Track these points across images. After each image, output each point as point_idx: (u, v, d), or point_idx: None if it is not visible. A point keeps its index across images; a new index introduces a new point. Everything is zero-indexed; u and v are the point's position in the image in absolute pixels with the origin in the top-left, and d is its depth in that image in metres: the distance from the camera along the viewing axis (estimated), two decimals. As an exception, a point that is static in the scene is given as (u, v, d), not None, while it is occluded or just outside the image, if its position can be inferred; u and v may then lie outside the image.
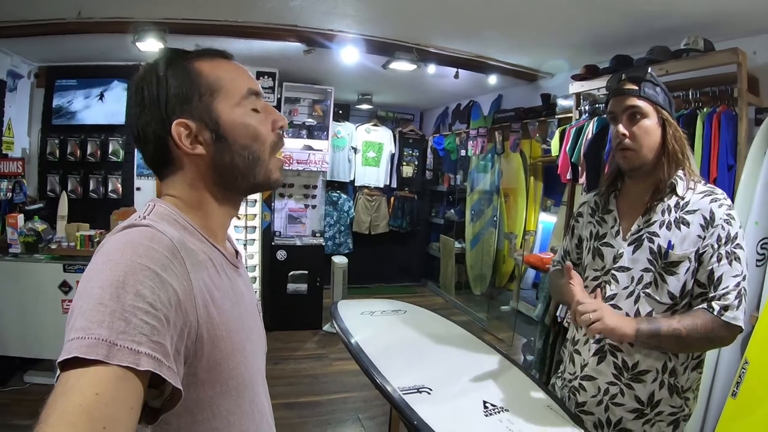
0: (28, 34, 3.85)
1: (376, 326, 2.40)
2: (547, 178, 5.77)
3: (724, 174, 2.66)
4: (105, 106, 5.06)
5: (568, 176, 3.67)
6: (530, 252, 5.42)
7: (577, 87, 3.74)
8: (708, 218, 1.53)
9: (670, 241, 1.56)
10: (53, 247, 4.11)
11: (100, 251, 0.81)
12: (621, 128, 1.61)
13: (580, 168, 3.47)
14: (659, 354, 1.58)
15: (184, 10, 3.62)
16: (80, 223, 4.32)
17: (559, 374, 1.90)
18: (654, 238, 1.59)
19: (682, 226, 1.56)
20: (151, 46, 3.74)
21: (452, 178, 7.64)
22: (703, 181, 1.64)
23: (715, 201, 1.55)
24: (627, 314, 1.60)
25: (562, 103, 4.34)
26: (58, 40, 4.09)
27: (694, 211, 1.55)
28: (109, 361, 0.66)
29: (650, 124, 1.59)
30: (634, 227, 1.65)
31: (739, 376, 2.12)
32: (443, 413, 1.56)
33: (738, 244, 1.51)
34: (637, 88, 1.59)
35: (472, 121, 6.52)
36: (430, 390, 1.69)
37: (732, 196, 2.49)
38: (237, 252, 1.11)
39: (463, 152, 6.69)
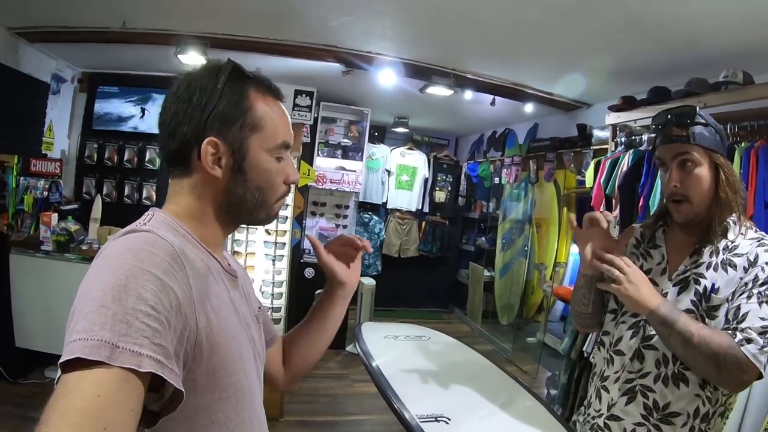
0: (74, 40, 4.01)
1: (399, 350, 2.37)
2: (580, 210, 5.68)
3: (760, 211, 2.56)
4: (145, 116, 5.19)
5: (602, 209, 3.59)
6: (560, 284, 5.34)
7: (613, 118, 3.68)
8: (752, 260, 1.46)
9: (714, 284, 1.49)
10: (84, 248, 4.21)
11: (101, 255, 0.82)
12: (672, 180, 1.54)
13: (614, 201, 3.41)
14: (692, 396, 1.50)
15: (226, 25, 3.72)
16: (112, 226, 4.40)
17: (582, 411, 1.84)
18: (700, 279, 1.52)
19: (729, 268, 1.49)
20: (192, 59, 3.82)
21: (485, 205, 7.60)
22: (754, 228, 1.57)
23: (763, 245, 1.48)
24: (664, 354, 1.53)
25: (598, 134, 4.30)
26: (102, 48, 4.25)
27: (742, 254, 1.48)
28: (111, 363, 0.66)
29: (703, 172, 1.51)
30: (681, 268, 1.58)
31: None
32: (459, 444, 1.52)
33: None
34: (686, 134, 1.51)
35: (507, 148, 6.50)
36: (449, 420, 1.64)
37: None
38: (230, 266, 1.12)
39: (496, 180, 6.66)
